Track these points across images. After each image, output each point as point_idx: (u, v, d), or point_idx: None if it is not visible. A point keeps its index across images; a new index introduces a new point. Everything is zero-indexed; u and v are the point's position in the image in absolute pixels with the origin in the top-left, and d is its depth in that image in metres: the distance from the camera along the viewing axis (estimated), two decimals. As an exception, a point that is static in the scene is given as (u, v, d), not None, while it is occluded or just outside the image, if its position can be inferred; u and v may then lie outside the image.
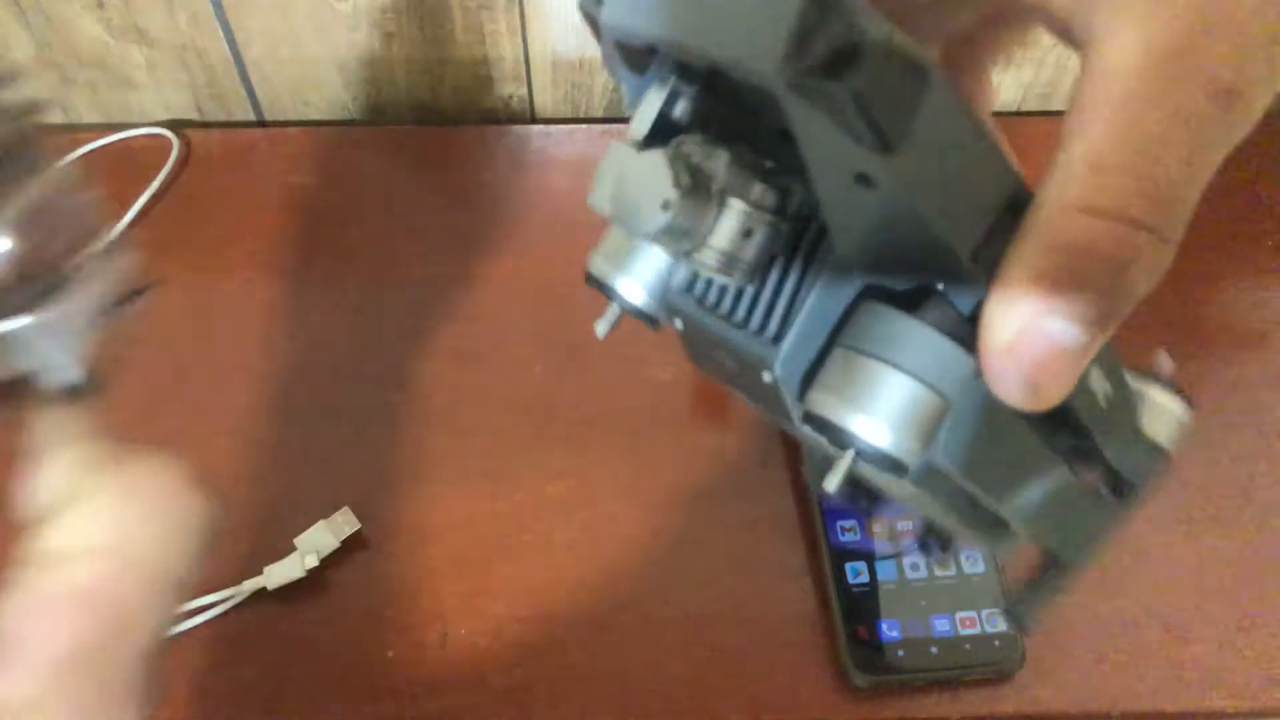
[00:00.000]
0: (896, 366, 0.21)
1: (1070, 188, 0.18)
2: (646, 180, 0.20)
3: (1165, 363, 0.29)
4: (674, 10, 0.20)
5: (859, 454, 0.21)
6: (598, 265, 0.27)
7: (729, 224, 0.21)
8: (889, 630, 0.41)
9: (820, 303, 0.22)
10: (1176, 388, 0.30)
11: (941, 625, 0.41)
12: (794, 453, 0.47)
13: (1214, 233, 0.56)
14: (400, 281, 0.54)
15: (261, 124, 0.65)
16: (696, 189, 0.20)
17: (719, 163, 0.21)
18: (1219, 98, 0.19)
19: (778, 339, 0.23)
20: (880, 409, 0.21)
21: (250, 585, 0.43)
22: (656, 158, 0.20)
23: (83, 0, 0.58)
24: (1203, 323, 0.52)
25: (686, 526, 0.45)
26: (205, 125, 0.65)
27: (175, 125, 0.62)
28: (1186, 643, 0.42)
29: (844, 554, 0.43)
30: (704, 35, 0.19)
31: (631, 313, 0.28)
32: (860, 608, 0.42)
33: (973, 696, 0.41)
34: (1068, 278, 0.19)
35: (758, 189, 0.21)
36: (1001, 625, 0.41)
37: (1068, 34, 0.19)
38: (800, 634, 0.42)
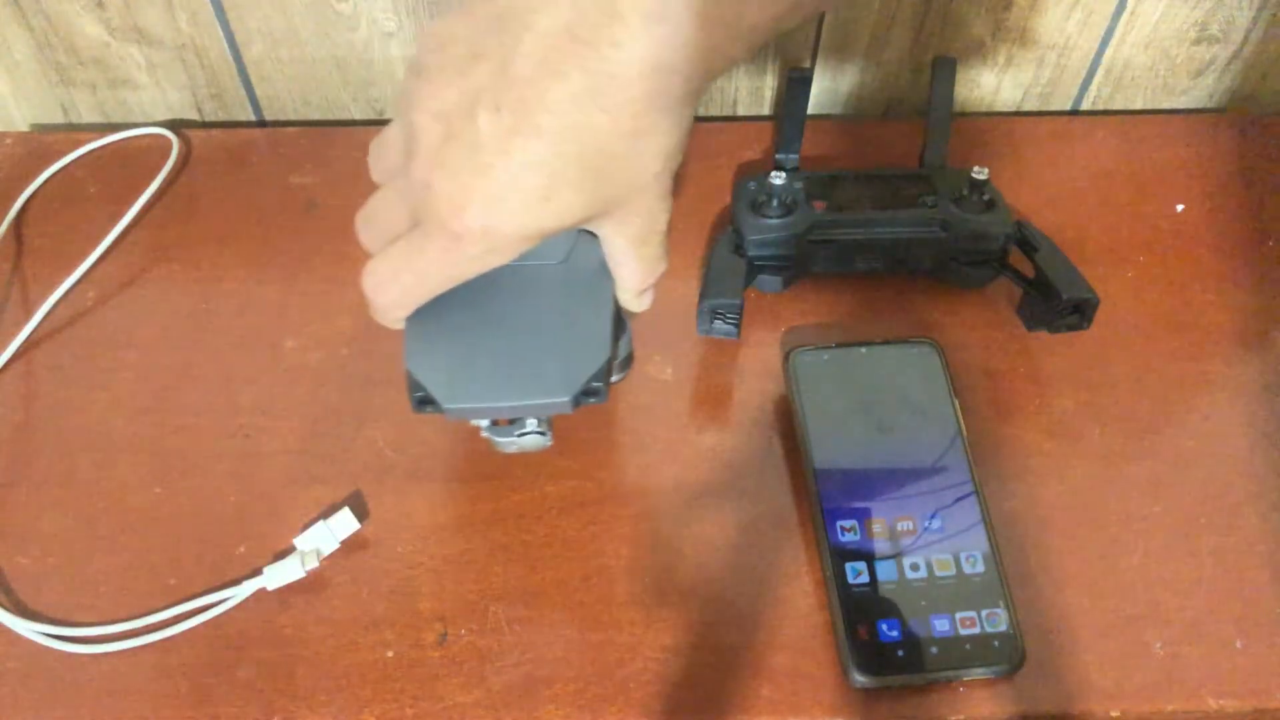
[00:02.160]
0: None
1: (628, 283, 0.38)
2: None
3: None
4: (496, 390, 0.38)
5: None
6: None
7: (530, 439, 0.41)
8: (889, 630, 0.41)
9: None
10: None
11: (941, 625, 0.41)
12: (794, 453, 0.47)
13: (1214, 233, 0.56)
14: (400, 281, 0.54)
15: (261, 124, 0.65)
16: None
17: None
18: (659, 233, 0.36)
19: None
20: None
21: (250, 585, 0.43)
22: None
23: (83, 0, 0.58)
24: (1203, 323, 0.53)
25: (686, 526, 0.45)
26: (205, 125, 0.65)
27: (175, 125, 0.62)
28: (1186, 643, 0.42)
29: (844, 554, 0.43)
30: (520, 399, 0.38)
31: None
32: (860, 608, 0.42)
33: (973, 696, 0.41)
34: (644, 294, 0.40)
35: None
36: (1001, 625, 0.41)
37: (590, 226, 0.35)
38: (800, 634, 0.42)
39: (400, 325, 0.38)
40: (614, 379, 0.43)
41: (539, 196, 0.31)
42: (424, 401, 0.37)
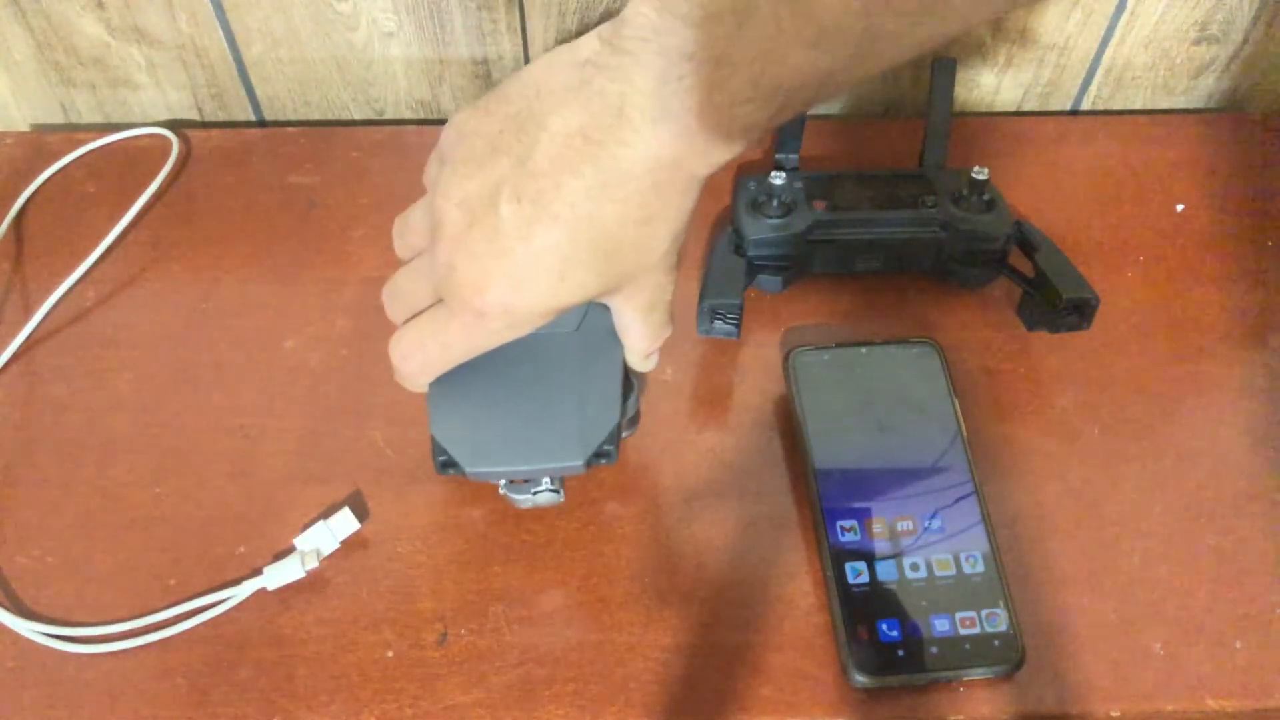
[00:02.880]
0: None
1: (636, 348, 0.41)
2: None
3: None
4: (514, 454, 0.41)
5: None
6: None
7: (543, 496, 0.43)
8: (889, 630, 0.41)
9: None
10: None
11: (941, 625, 0.41)
12: (794, 453, 0.47)
13: (1214, 233, 0.56)
14: (400, 281, 0.54)
15: (261, 124, 0.65)
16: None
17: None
18: (666, 304, 0.40)
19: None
20: None
21: (250, 585, 0.43)
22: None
23: (83, 0, 0.58)
24: (1203, 323, 0.53)
25: (686, 526, 0.45)
26: (205, 125, 0.65)
27: (175, 125, 0.62)
28: (1186, 643, 0.42)
29: (844, 554, 0.43)
30: (536, 463, 0.41)
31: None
32: (860, 608, 0.42)
33: (973, 696, 0.41)
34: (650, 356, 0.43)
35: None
36: (1001, 625, 0.41)
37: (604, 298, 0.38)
38: (800, 634, 0.42)
39: (424, 389, 0.41)
40: (623, 434, 0.46)
41: (556, 277, 0.34)
42: (447, 464, 0.41)
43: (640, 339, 0.40)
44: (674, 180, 0.33)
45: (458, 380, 0.41)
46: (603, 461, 0.41)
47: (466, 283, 0.35)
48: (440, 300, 0.37)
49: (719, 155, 0.33)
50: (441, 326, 0.37)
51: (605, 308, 0.40)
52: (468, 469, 0.41)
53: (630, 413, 0.45)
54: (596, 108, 0.32)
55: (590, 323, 0.42)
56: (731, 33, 0.30)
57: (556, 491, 0.43)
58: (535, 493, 0.43)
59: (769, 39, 0.29)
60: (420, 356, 0.38)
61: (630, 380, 0.45)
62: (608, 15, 0.59)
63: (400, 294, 0.39)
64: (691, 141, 0.32)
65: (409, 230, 0.39)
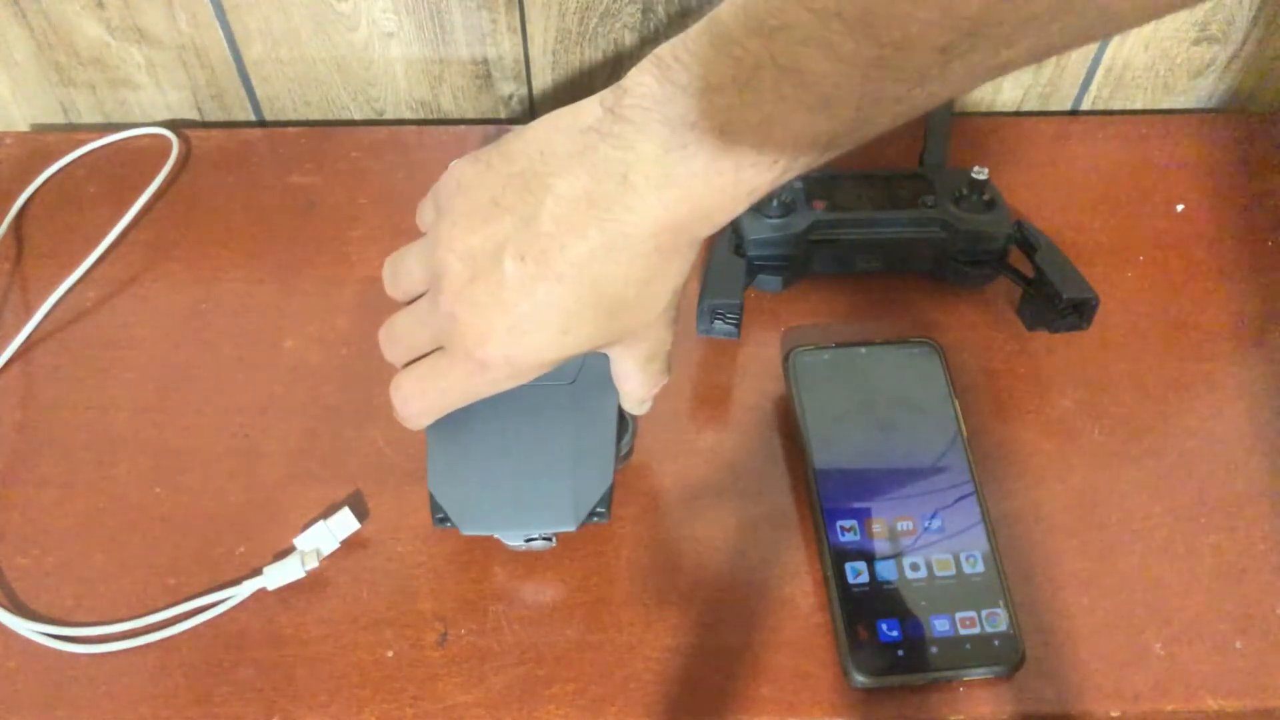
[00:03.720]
0: None
1: (633, 394, 0.41)
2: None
3: None
4: (508, 516, 0.42)
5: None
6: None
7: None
8: (889, 630, 0.41)
9: None
10: None
11: (941, 625, 0.41)
12: (794, 453, 0.47)
13: (1214, 233, 0.56)
14: (400, 281, 0.54)
15: (261, 124, 0.65)
16: None
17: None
18: (665, 354, 0.40)
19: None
20: None
21: (250, 585, 0.43)
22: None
23: (83, 0, 0.58)
24: (1203, 323, 0.53)
25: (686, 526, 0.45)
26: (205, 125, 0.65)
27: (175, 125, 0.62)
28: (1186, 643, 0.42)
29: (844, 554, 0.43)
30: (530, 526, 0.42)
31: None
32: (860, 608, 0.42)
33: (973, 696, 0.41)
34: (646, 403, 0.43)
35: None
36: (1001, 625, 0.41)
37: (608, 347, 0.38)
38: (800, 634, 0.42)
39: (422, 429, 0.41)
40: (618, 466, 0.46)
41: (558, 331, 0.35)
42: (443, 520, 0.42)
43: (638, 387, 0.41)
44: (676, 243, 0.34)
45: (455, 436, 0.42)
46: (595, 520, 0.42)
47: (469, 333, 0.35)
48: (441, 348, 0.37)
49: (723, 217, 0.33)
50: (443, 373, 0.37)
51: (602, 356, 0.41)
52: (463, 529, 0.42)
53: (624, 451, 0.46)
54: (601, 173, 0.32)
55: (586, 375, 0.42)
56: (733, 102, 0.30)
57: (550, 540, 0.43)
58: (528, 541, 0.43)
59: (771, 105, 0.30)
60: (421, 402, 0.39)
61: (625, 420, 0.45)
62: (608, 15, 0.59)
63: (399, 337, 0.39)
64: (696, 206, 0.32)
65: (401, 273, 0.39)
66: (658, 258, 0.34)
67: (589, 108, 0.34)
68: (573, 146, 0.33)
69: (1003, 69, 0.29)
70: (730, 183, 0.32)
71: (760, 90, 0.29)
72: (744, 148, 0.31)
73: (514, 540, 0.43)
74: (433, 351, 0.38)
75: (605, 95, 0.33)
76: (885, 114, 0.30)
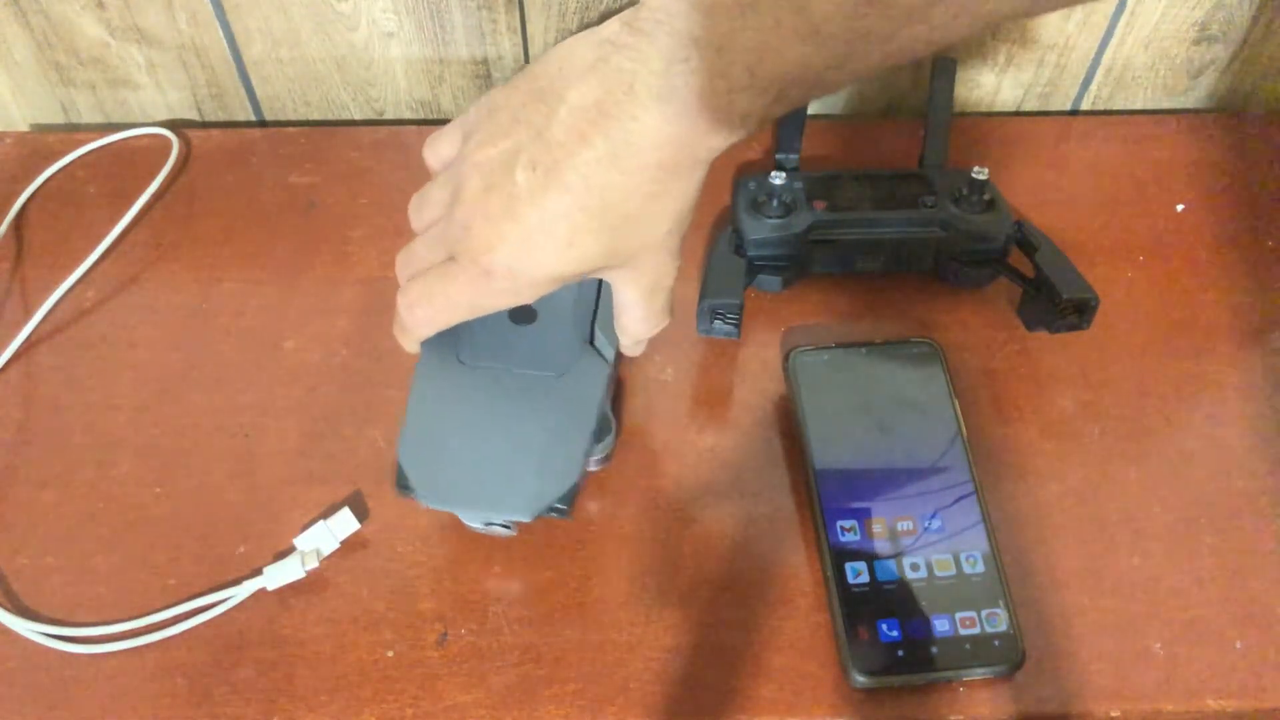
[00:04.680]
0: None
1: (631, 330, 0.42)
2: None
3: None
4: (467, 495, 0.42)
5: None
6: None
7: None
8: (889, 630, 0.41)
9: None
10: None
11: (941, 625, 0.41)
12: (794, 453, 0.47)
13: (1214, 233, 0.56)
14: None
15: (261, 124, 0.65)
16: None
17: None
18: (666, 289, 0.41)
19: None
20: None
21: (250, 585, 0.43)
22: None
23: (82, 0, 0.58)
24: (1203, 323, 0.53)
25: (686, 526, 0.45)
26: (205, 125, 0.65)
27: (175, 125, 0.62)
28: (1186, 643, 0.42)
29: (844, 554, 0.43)
30: (486, 509, 0.42)
31: None
32: (860, 608, 0.42)
33: (973, 696, 0.41)
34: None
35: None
36: (1001, 625, 0.41)
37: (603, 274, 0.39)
38: (800, 634, 0.42)
39: (416, 349, 0.42)
40: (596, 468, 0.47)
41: (563, 243, 0.36)
42: (406, 488, 0.42)
43: (638, 321, 0.41)
44: (678, 160, 0.35)
45: (435, 408, 0.43)
46: (554, 515, 0.41)
47: (478, 241, 0.36)
48: (451, 258, 0.38)
49: (719, 140, 0.35)
50: (450, 280, 0.38)
51: (597, 359, 0.42)
52: (423, 500, 0.42)
53: (603, 453, 0.46)
54: (611, 83, 0.34)
55: (576, 372, 0.43)
56: (735, 23, 0.31)
57: (508, 528, 0.43)
58: (487, 525, 0.43)
59: (767, 31, 0.31)
60: (426, 309, 0.39)
61: (609, 422, 0.46)
62: (607, 15, 0.59)
63: (414, 258, 0.40)
64: (694, 123, 0.34)
65: (425, 204, 0.41)
66: (660, 172, 0.35)
67: (610, 24, 0.35)
68: (589, 59, 0.35)
69: (988, 18, 0.30)
70: (724, 104, 0.33)
71: (759, 14, 0.31)
72: (738, 70, 0.32)
73: (473, 521, 0.43)
74: (444, 261, 0.39)
75: (626, 12, 0.35)
76: (874, 52, 0.31)
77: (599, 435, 0.45)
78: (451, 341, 0.44)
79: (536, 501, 0.41)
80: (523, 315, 0.45)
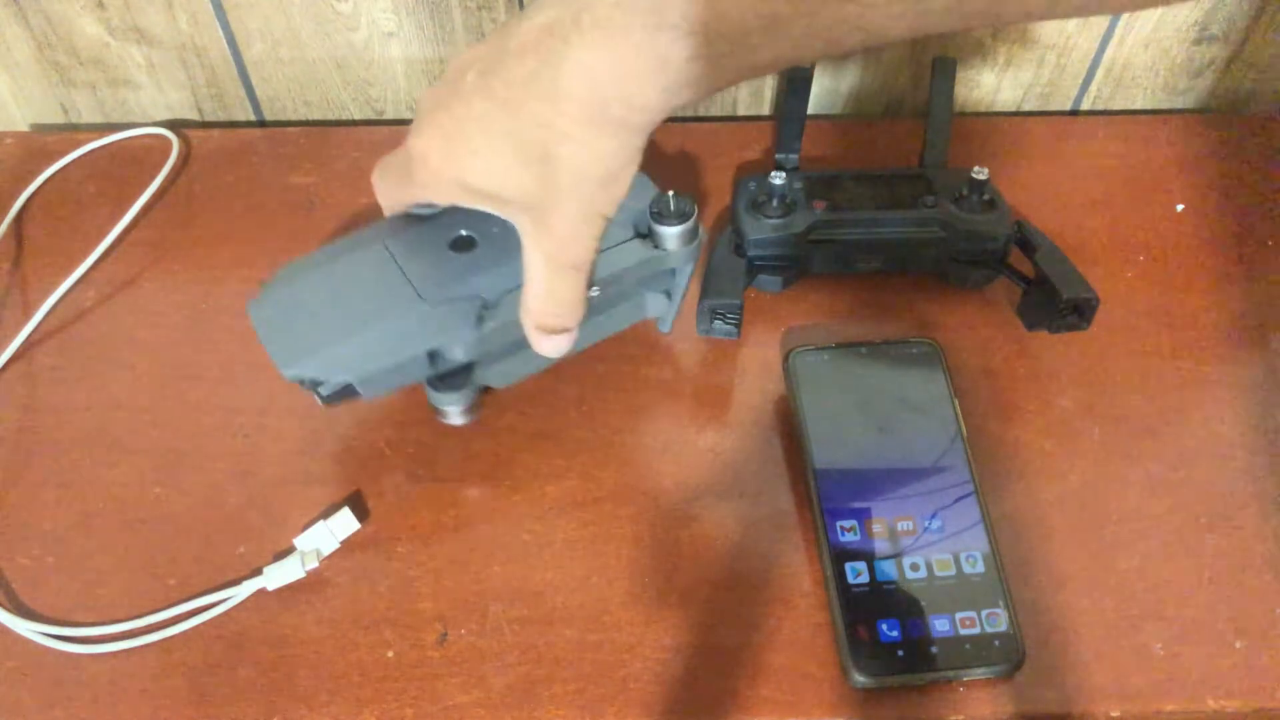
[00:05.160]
0: None
1: (527, 300, 0.41)
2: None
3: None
4: (275, 332, 0.43)
5: None
6: None
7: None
8: (889, 630, 0.41)
9: None
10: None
11: (941, 625, 0.41)
12: (794, 453, 0.47)
13: (1214, 233, 0.56)
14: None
15: (261, 124, 0.65)
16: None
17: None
18: (575, 267, 0.39)
19: None
20: None
21: (250, 585, 0.43)
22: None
23: (82, 0, 0.58)
24: (1203, 323, 0.53)
25: (686, 526, 0.45)
26: (205, 125, 0.65)
27: (175, 125, 0.62)
28: (1186, 643, 0.42)
29: (844, 554, 0.43)
30: (268, 343, 0.43)
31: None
32: (860, 608, 0.42)
33: (973, 696, 0.41)
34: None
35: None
36: (1001, 625, 0.41)
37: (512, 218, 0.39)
38: (800, 634, 0.42)
39: (389, 214, 0.45)
40: (460, 421, 0.47)
41: (469, 149, 0.37)
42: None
43: (535, 297, 0.40)
44: (605, 112, 0.34)
45: (321, 263, 0.45)
46: (314, 393, 0.43)
47: (416, 124, 0.39)
48: None
49: (641, 98, 0.34)
50: (396, 160, 0.41)
51: (470, 316, 0.43)
52: (253, 309, 0.44)
53: (467, 403, 0.46)
54: (565, 11, 0.34)
55: (446, 312, 0.43)
56: None
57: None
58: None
59: None
60: (381, 184, 0.43)
61: (470, 384, 0.45)
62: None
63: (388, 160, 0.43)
64: (623, 67, 0.33)
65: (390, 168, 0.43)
66: (579, 111, 0.34)
67: None
68: None
69: (924, 16, 0.30)
70: (659, 53, 0.32)
71: None
72: (675, 15, 0.32)
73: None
74: None
75: None
76: (811, 24, 0.31)
77: (456, 384, 0.45)
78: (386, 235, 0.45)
79: (300, 363, 0.42)
80: (463, 245, 0.45)
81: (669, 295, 0.49)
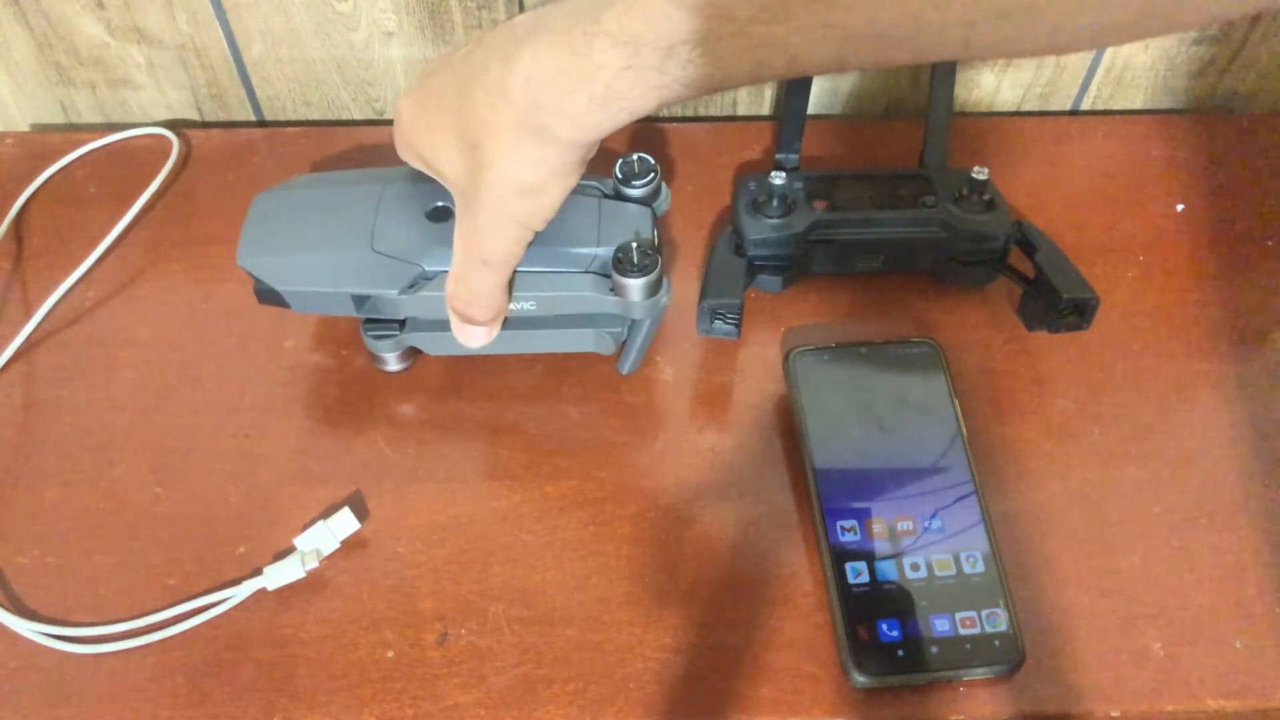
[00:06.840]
0: None
1: (447, 286, 0.43)
2: None
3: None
4: (253, 242, 0.47)
5: None
6: None
7: None
8: (889, 630, 0.41)
9: None
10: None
11: (941, 625, 0.41)
12: (794, 453, 0.47)
13: (1214, 233, 0.56)
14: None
15: (261, 124, 0.65)
16: None
17: None
18: (485, 262, 0.41)
19: None
20: None
21: (250, 585, 0.43)
22: None
23: (82, 0, 0.58)
24: (1203, 323, 0.53)
25: (686, 526, 0.45)
26: (205, 125, 0.65)
27: (175, 125, 0.62)
28: (1186, 643, 0.42)
29: (844, 554, 0.43)
30: (242, 249, 0.46)
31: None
32: (860, 608, 0.42)
33: (973, 696, 0.41)
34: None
35: None
36: (1001, 625, 0.41)
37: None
38: (800, 634, 0.42)
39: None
40: (392, 367, 0.50)
41: (427, 120, 0.39)
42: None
43: (452, 269, 0.42)
44: (533, 111, 0.35)
45: (313, 188, 0.48)
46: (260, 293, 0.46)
47: (409, 88, 0.42)
48: None
49: (575, 104, 0.34)
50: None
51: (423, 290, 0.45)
52: (255, 200, 0.47)
53: (396, 351, 0.49)
54: (534, 13, 0.36)
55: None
56: None
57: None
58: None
59: None
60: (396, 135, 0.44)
61: (398, 348, 0.49)
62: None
63: None
64: (556, 69, 0.34)
65: None
66: (511, 115, 0.36)
67: None
68: None
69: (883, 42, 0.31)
70: (587, 62, 0.34)
71: None
72: (611, 20, 0.33)
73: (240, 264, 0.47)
74: None
75: None
76: (745, 40, 0.32)
77: (387, 333, 0.47)
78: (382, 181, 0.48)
79: (247, 257, 0.45)
80: (439, 215, 0.46)
81: (626, 341, 0.49)
